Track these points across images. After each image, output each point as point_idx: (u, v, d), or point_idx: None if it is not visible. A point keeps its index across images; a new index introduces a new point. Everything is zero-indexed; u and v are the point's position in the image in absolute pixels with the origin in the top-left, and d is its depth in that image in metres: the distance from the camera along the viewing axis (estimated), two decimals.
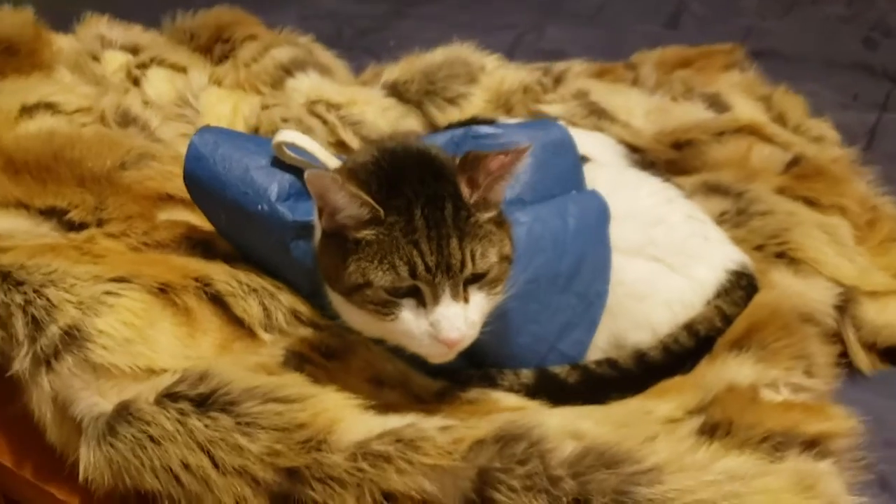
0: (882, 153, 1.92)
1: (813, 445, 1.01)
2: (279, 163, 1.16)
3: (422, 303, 0.97)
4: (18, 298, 1.06)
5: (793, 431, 1.01)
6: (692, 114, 1.69)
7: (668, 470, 0.91)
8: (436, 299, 0.96)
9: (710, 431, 1.02)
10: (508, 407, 1.08)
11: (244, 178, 1.14)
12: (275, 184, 1.14)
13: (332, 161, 1.14)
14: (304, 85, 1.73)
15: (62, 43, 1.70)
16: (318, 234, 1.06)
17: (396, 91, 1.74)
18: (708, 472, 0.91)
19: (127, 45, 1.75)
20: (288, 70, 1.75)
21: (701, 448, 0.97)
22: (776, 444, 1.00)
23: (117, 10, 2.02)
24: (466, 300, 0.98)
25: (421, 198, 0.97)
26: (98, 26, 1.76)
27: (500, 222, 1.03)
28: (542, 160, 1.17)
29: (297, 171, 1.15)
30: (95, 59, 1.67)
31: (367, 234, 0.97)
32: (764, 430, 1.01)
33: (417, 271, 0.95)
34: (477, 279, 0.99)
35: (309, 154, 1.14)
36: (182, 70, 1.69)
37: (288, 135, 1.14)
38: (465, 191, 0.99)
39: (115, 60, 1.70)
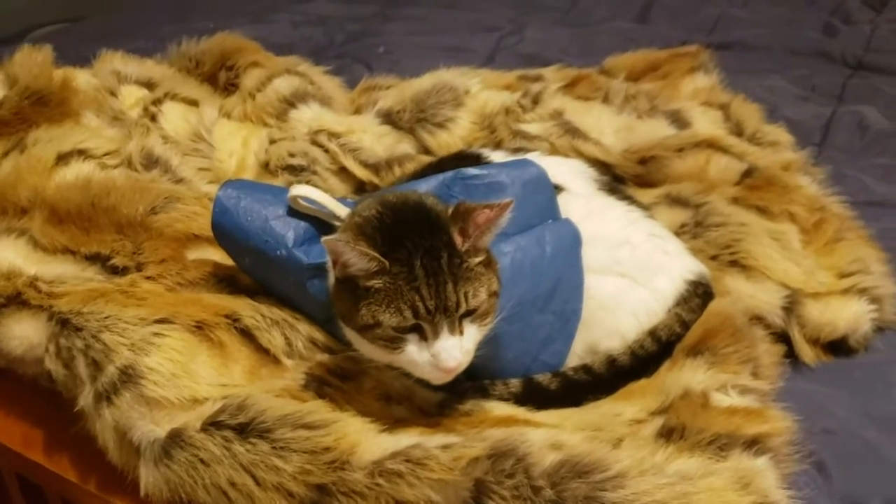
0: (834, 148, 2.05)
1: (753, 444, 1.12)
2: (294, 212, 1.29)
3: (424, 337, 1.12)
4: (79, 343, 1.19)
5: (735, 433, 1.13)
6: (656, 131, 1.80)
7: (630, 475, 1.03)
8: (436, 334, 1.12)
9: (667, 435, 1.15)
10: (500, 416, 1.21)
11: (265, 227, 1.28)
12: (291, 231, 1.28)
13: (339, 209, 1.28)
14: (307, 116, 1.84)
15: (80, 78, 1.80)
16: (331, 278, 1.20)
17: (391, 119, 1.85)
18: (663, 475, 1.03)
19: (141, 79, 1.84)
20: (290, 102, 1.86)
21: (658, 452, 1.10)
22: (721, 445, 1.11)
23: (118, 31, 2.14)
24: (461, 332, 1.13)
25: (420, 249, 1.12)
26: (113, 62, 1.87)
27: (488, 263, 1.17)
28: (521, 197, 1.27)
29: (310, 219, 1.29)
30: (112, 94, 1.78)
31: (375, 282, 1.12)
32: (711, 433, 1.13)
33: (419, 313, 1.10)
34: (469, 314, 1.14)
35: (320, 204, 1.28)
36: (194, 103, 1.80)
37: (302, 189, 1.28)
38: (457, 240, 1.14)
39: (131, 95, 1.80)
